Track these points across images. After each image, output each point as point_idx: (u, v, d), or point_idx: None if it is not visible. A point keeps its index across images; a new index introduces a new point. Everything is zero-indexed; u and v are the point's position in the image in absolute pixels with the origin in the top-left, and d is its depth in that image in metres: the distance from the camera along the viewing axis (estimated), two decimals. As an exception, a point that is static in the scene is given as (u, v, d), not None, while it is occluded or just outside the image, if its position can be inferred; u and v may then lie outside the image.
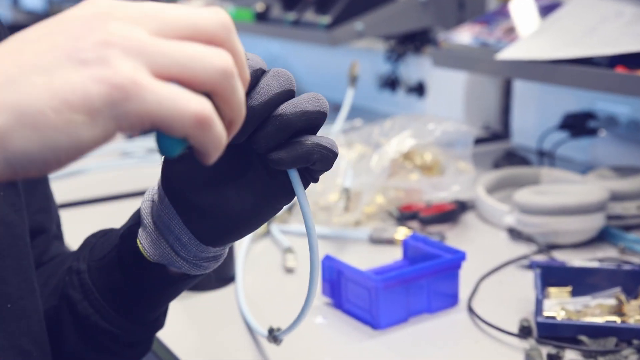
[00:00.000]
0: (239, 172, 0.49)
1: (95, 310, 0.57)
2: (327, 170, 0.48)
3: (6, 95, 0.33)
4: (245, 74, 0.39)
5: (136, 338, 0.59)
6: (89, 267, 0.57)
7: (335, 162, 0.48)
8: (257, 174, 0.49)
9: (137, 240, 0.53)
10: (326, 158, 0.46)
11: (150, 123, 0.34)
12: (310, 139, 0.46)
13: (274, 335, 0.65)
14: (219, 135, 0.36)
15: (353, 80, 1.19)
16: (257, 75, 0.45)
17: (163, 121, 0.34)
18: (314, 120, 0.46)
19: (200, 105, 0.35)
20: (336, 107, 1.76)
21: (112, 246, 0.56)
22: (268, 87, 0.45)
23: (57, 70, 0.34)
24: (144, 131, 0.36)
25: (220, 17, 0.38)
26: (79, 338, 0.58)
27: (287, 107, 0.45)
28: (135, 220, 0.54)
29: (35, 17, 2.78)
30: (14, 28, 0.59)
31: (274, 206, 0.50)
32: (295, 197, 0.49)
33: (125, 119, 0.34)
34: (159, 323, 0.61)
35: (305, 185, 0.48)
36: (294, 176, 0.48)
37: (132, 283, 0.56)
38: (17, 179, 0.35)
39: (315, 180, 0.49)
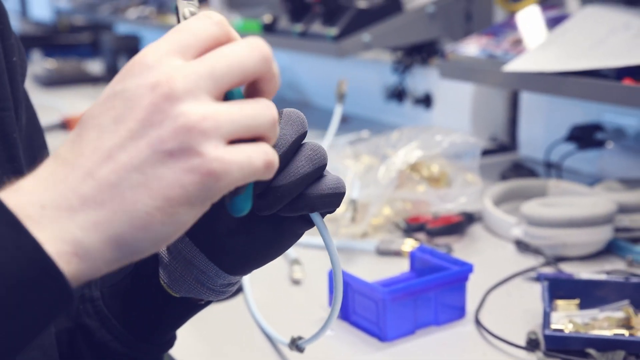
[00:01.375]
0: (260, 217, 0.49)
1: (113, 337, 0.57)
2: (336, 209, 0.49)
3: (113, 203, 0.37)
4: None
5: (152, 358, 0.60)
6: (103, 294, 0.58)
7: (342, 174, 0.48)
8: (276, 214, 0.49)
9: (160, 279, 0.54)
10: (331, 204, 0.47)
11: (235, 187, 0.39)
12: (313, 191, 0.46)
13: (297, 345, 0.65)
14: (276, 168, 0.41)
15: (341, 97, 1.20)
16: None
17: (244, 181, 0.39)
18: (313, 177, 0.47)
19: (266, 155, 0.39)
20: (342, 119, 1.76)
21: (126, 274, 0.56)
22: (285, 137, 0.46)
23: (148, 169, 0.37)
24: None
25: (260, 51, 0.41)
26: None
27: (285, 177, 0.46)
28: None
29: (44, 29, 2.80)
30: (22, 39, 0.59)
31: (296, 233, 0.50)
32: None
33: (218, 195, 0.38)
34: (173, 340, 0.61)
35: (323, 216, 0.49)
36: (316, 218, 0.48)
37: (154, 312, 0.56)
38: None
39: (331, 212, 0.49)
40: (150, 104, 0.37)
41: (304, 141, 0.46)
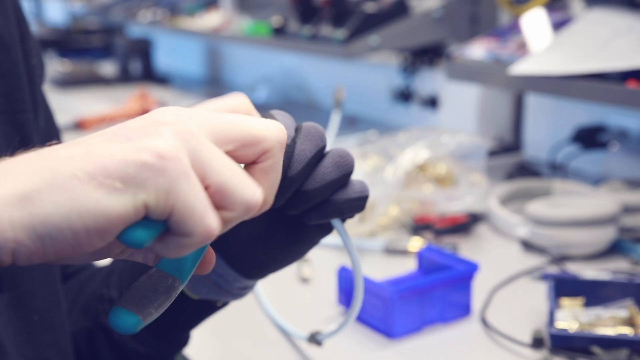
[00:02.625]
0: (278, 224, 0.50)
1: (132, 337, 0.58)
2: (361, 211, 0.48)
3: (46, 161, 0.33)
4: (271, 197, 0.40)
5: (168, 356, 0.61)
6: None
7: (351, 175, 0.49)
8: (296, 220, 0.49)
9: None
10: (357, 207, 0.47)
11: (171, 209, 0.34)
12: (341, 197, 0.46)
13: (316, 339, 0.66)
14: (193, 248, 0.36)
15: (338, 104, 1.22)
16: (292, 138, 0.45)
17: (182, 215, 0.34)
18: (340, 184, 0.46)
19: (215, 226, 0.35)
20: (351, 120, 1.78)
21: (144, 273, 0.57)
22: (304, 152, 0.45)
23: (99, 144, 0.34)
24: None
25: (280, 135, 0.40)
26: None
27: (312, 182, 0.45)
28: None
29: (58, 32, 2.82)
30: (39, 42, 0.60)
31: (314, 241, 0.51)
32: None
33: (154, 192, 0.33)
34: (188, 339, 0.62)
35: (343, 221, 0.49)
36: (337, 224, 0.49)
37: (172, 312, 0.56)
38: (50, 258, 0.34)
39: (352, 217, 0.49)
40: (142, 121, 0.36)
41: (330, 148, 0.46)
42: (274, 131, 0.40)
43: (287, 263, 0.52)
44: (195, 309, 0.57)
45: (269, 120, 0.40)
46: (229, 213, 0.36)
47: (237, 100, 0.42)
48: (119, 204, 0.33)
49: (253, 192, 0.36)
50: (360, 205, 0.47)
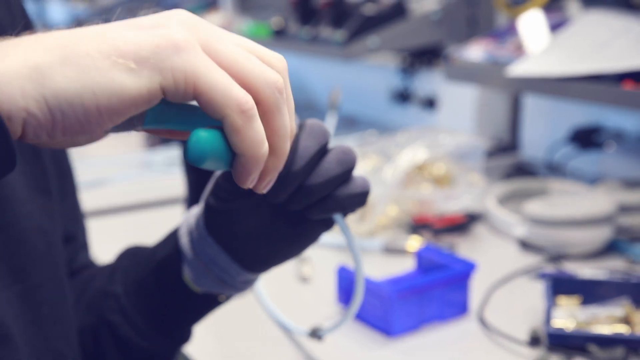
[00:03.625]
0: (280, 219, 0.50)
1: (136, 333, 0.59)
2: (363, 207, 0.49)
3: (58, 40, 0.34)
4: (291, 106, 0.40)
5: (171, 351, 0.62)
6: (126, 291, 0.59)
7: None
8: (298, 215, 0.50)
9: (184, 276, 0.55)
10: (359, 202, 0.48)
11: (194, 86, 0.34)
12: (343, 192, 0.47)
13: (317, 334, 0.67)
14: (258, 136, 0.36)
15: (334, 106, 1.23)
16: (295, 134, 0.45)
17: (208, 89, 0.34)
18: (343, 179, 0.47)
19: (247, 96, 0.35)
20: (350, 120, 1.79)
21: (149, 270, 0.58)
22: (307, 148, 0.45)
23: (111, 29, 0.35)
24: (166, 139, 0.36)
25: (284, 62, 0.39)
26: (122, 358, 0.60)
27: (315, 178, 0.46)
28: (173, 248, 0.56)
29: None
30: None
31: (316, 236, 0.52)
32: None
33: (171, 73, 0.33)
34: (190, 334, 0.63)
35: (345, 216, 0.50)
36: (339, 219, 0.49)
37: (176, 307, 0.58)
38: (55, 136, 0.34)
39: (354, 212, 0.50)
40: (150, 17, 0.36)
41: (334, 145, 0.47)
42: (281, 59, 0.39)
43: (289, 257, 0.53)
44: (198, 303, 0.57)
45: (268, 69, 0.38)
46: (257, 90, 0.36)
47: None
48: (132, 84, 0.33)
49: (270, 73, 0.36)
50: (362, 200, 0.48)
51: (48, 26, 3.37)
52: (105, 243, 0.77)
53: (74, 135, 0.34)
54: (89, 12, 2.75)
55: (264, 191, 0.40)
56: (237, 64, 0.36)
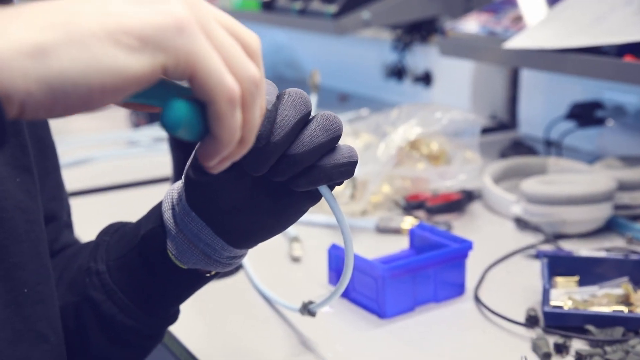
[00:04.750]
0: (264, 191, 0.49)
1: (119, 310, 0.57)
2: (350, 177, 0.48)
3: (59, 16, 0.33)
4: (263, 100, 0.41)
5: (157, 330, 0.60)
6: (109, 267, 0.58)
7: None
8: (283, 187, 0.48)
9: (168, 251, 0.54)
10: (346, 172, 0.47)
11: (192, 71, 0.35)
12: (329, 161, 0.46)
13: (308, 309, 0.66)
14: (237, 124, 0.38)
15: (314, 88, 1.22)
16: (272, 103, 0.45)
17: (204, 74, 0.35)
18: (328, 148, 0.46)
19: (236, 86, 0.37)
20: (342, 97, 1.76)
21: (132, 246, 0.56)
22: (287, 117, 0.44)
23: (113, 3, 0.34)
24: (153, 117, 0.37)
25: (258, 42, 0.40)
26: (104, 336, 0.59)
27: (299, 146, 0.45)
28: (157, 222, 0.54)
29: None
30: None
31: (301, 209, 0.50)
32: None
33: (173, 53, 0.34)
34: (177, 314, 0.61)
35: (331, 189, 0.49)
36: (325, 191, 0.48)
37: (161, 283, 0.56)
38: (56, 113, 0.33)
39: (340, 184, 0.49)
40: None
41: (316, 113, 0.46)
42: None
43: (275, 232, 0.52)
44: (183, 280, 0.56)
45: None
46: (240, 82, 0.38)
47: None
48: (137, 63, 0.34)
49: (252, 68, 0.38)
50: (349, 170, 0.47)
51: None
52: (89, 222, 0.76)
53: (73, 112, 0.34)
54: None
55: (215, 172, 0.41)
56: (227, 52, 0.37)
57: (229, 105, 0.37)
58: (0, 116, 0.31)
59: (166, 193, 0.55)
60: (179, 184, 0.53)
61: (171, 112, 0.37)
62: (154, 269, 0.55)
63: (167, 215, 0.53)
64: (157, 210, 0.55)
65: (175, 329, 0.74)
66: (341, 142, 0.47)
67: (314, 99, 1.22)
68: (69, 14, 0.33)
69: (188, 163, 0.51)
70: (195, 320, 0.77)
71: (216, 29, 0.37)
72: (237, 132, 0.38)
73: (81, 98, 0.33)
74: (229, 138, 0.38)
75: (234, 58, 0.37)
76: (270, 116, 0.44)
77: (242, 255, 0.54)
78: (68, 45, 0.32)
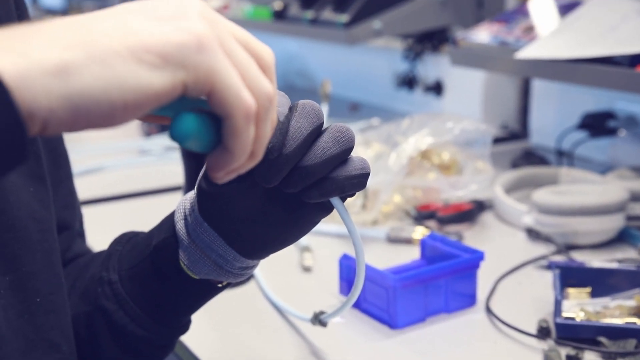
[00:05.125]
0: (276, 203, 0.49)
1: (131, 319, 0.57)
2: (362, 189, 0.48)
3: (80, 36, 0.33)
4: (274, 114, 0.41)
5: (169, 340, 0.60)
6: (121, 277, 0.58)
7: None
8: (295, 199, 0.48)
9: (180, 261, 0.54)
10: (359, 184, 0.47)
11: (211, 87, 0.36)
12: (342, 173, 0.46)
13: (319, 319, 0.66)
14: (250, 139, 0.38)
15: (325, 97, 1.23)
16: (285, 115, 0.45)
17: (223, 90, 0.36)
18: (340, 159, 0.46)
19: (253, 102, 0.37)
20: (353, 106, 1.76)
21: (144, 256, 0.56)
22: (299, 129, 0.44)
23: (134, 20, 0.35)
24: (164, 126, 0.38)
25: (272, 56, 0.41)
26: (116, 346, 0.59)
27: (311, 158, 0.45)
28: (169, 232, 0.54)
29: (54, 16, 2.80)
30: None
31: (313, 220, 0.51)
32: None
33: (194, 70, 0.35)
34: (189, 324, 0.62)
35: (343, 200, 0.49)
36: (337, 203, 0.48)
37: (172, 294, 0.56)
38: (77, 129, 0.34)
39: (352, 196, 0.49)
40: (167, 4, 0.37)
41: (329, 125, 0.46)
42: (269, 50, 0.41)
43: (287, 243, 0.52)
44: (196, 290, 0.56)
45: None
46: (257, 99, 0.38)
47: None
48: (158, 80, 0.34)
49: (267, 85, 0.39)
50: (361, 182, 0.47)
51: (41, 9, 3.34)
52: (101, 231, 0.76)
53: (94, 128, 0.34)
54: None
55: (221, 182, 0.41)
56: (244, 68, 0.38)
57: (245, 120, 0.37)
58: (21, 134, 0.32)
59: (178, 203, 0.55)
60: (192, 194, 0.54)
61: (181, 124, 0.37)
62: (166, 279, 0.55)
63: (180, 225, 0.53)
64: (169, 220, 0.55)
65: (186, 338, 0.74)
66: (353, 152, 0.47)
67: (325, 109, 1.22)
68: (91, 32, 0.34)
69: (201, 174, 0.51)
70: (206, 329, 0.77)
71: (234, 45, 0.38)
72: (250, 146, 0.39)
73: (103, 115, 0.33)
74: (241, 152, 0.38)
75: (250, 74, 0.38)
76: (283, 128, 0.44)
77: (254, 266, 0.54)
78: (90, 64, 0.33)
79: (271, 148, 0.43)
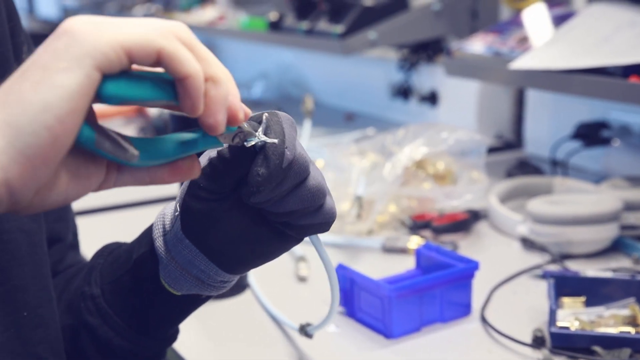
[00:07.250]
0: (260, 221, 0.50)
1: (116, 333, 0.57)
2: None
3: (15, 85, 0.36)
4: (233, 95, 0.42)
5: (156, 351, 0.60)
6: (103, 291, 0.57)
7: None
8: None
9: (161, 279, 0.54)
10: (320, 230, 0.51)
11: (155, 57, 0.38)
12: (305, 221, 0.49)
13: (305, 331, 0.67)
14: (190, 57, 0.39)
15: (308, 113, 1.24)
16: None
17: (170, 59, 0.38)
18: (302, 214, 0.49)
19: (197, 72, 0.39)
20: (348, 116, 1.77)
21: (125, 269, 0.56)
22: (292, 138, 0.47)
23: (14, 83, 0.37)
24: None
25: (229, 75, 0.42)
26: (103, 359, 0.58)
27: (275, 206, 0.48)
28: (148, 246, 0.54)
29: (51, 26, 2.81)
30: (30, 37, 0.60)
31: (299, 238, 0.52)
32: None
33: (83, 59, 0.36)
34: (177, 334, 0.61)
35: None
36: (314, 239, 0.53)
37: (156, 307, 0.56)
38: (41, 178, 0.36)
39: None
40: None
41: (308, 179, 0.48)
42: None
43: (270, 259, 0.53)
44: (179, 303, 0.56)
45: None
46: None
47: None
48: (70, 81, 0.36)
49: (216, 61, 0.41)
50: (324, 229, 0.50)
51: (37, 19, 3.34)
52: (95, 242, 0.75)
53: (53, 162, 0.36)
54: (79, 5, 2.74)
55: (218, 127, 0.41)
56: (199, 51, 0.41)
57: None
58: None
59: (156, 218, 0.54)
60: (170, 209, 0.53)
61: (108, 86, 0.38)
62: (147, 294, 0.55)
63: (159, 242, 0.53)
64: (149, 233, 0.55)
65: (181, 347, 0.74)
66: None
67: (307, 125, 1.23)
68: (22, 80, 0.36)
69: (184, 191, 0.51)
70: (201, 339, 0.77)
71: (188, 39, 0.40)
72: (194, 62, 0.39)
73: (46, 141, 0.35)
74: (194, 73, 0.39)
75: (206, 55, 0.40)
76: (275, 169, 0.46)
77: (235, 280, 0.55)
78: (20, 134, 0.35)
79: (255, 172, 0.46)
